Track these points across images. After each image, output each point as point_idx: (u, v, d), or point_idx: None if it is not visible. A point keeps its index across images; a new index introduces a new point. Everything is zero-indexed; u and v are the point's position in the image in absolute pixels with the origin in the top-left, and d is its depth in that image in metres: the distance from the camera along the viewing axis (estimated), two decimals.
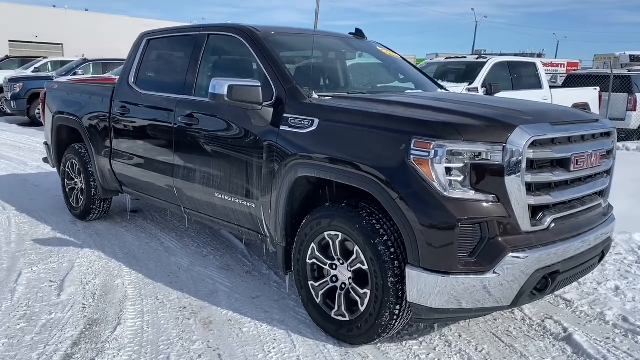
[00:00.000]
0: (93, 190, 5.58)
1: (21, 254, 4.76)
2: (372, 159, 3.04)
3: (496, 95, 9.19)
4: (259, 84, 3.56)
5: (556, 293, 4.08)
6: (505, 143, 2.82)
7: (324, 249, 3.36)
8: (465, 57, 10.44)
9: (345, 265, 3.25)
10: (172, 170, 4.45)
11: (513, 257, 2.83)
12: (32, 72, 17.09)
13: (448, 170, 2.82)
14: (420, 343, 3.33)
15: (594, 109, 11.53)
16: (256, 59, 3.91)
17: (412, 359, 3.15)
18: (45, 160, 6.60)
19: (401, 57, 4.92)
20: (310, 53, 4.22)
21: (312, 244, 3.39)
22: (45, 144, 6.43)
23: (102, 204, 5.71)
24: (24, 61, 19.06)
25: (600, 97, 11.78)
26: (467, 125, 2.91)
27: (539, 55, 61.69)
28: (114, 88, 5.18)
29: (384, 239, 3.02)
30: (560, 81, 18.12)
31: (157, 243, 5.14)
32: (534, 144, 2.90)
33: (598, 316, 3.73)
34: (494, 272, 2.82)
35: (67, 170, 5.95)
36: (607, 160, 3.52)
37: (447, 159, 2.81)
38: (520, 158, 2.83)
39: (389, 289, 3.00)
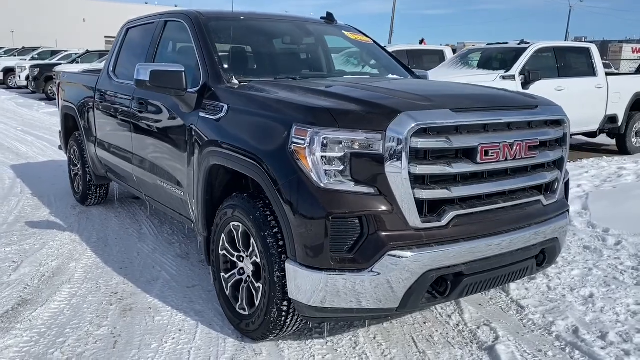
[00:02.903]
0: (88, 176, 5.79)
1: (6, 235, 5.01)
2: (261, 147, 2.89)
3: (535, 83, 8.57)
4: (182, 70, 3.49)
5: (512, 297, 3.72)
6: (385, 131, 2.57)
7: (232, 240, 3.25)
8: (507, 43, 9.74)
9: (249, 257, 3.13)
10: (132, 157, 4.50)
11: (395, 255, 2.58)
12: None
13: (325, 160, 2.61)
14: (326, 343, 3.13)
15: None
16: (193, 44, 3.85)
17: (307, 359, 2.98)
18: (60, 147, 6.93)
19: (374, 41, 4.66)
20: (259, 39, 4.09)
21: (222, 235, 3.29)
22: (60, 132, 6.74)
23: (98, 189, 5.90)
24: (101, 55, 20.19)
25: None
26: (345, 112, 2.68)
27: None
28: (98, 77, 5.33)
29: (274, 231, 2.86)
30: None
31: (135, 229, 5.24)
32: (425, 132, 2.62)
33: (545, 326, 3.34)
34: (372, 271, 2.59)
35: (71, 156, 6.22)
36: (551, 151, 3.13)
37: (323, 147, 2.60)
38: (402, 148, 2.56)
39: (275, 284, 2.84)
